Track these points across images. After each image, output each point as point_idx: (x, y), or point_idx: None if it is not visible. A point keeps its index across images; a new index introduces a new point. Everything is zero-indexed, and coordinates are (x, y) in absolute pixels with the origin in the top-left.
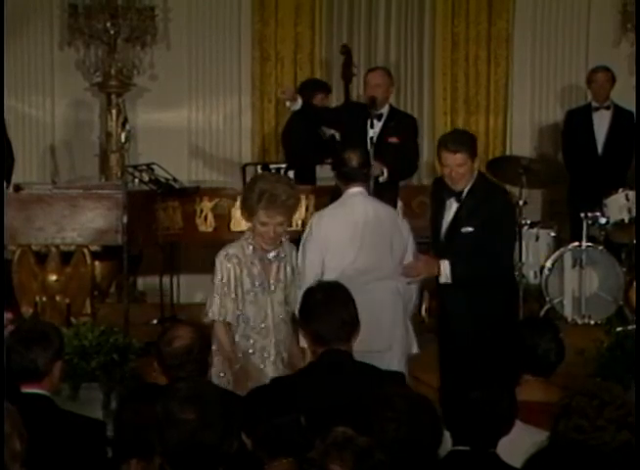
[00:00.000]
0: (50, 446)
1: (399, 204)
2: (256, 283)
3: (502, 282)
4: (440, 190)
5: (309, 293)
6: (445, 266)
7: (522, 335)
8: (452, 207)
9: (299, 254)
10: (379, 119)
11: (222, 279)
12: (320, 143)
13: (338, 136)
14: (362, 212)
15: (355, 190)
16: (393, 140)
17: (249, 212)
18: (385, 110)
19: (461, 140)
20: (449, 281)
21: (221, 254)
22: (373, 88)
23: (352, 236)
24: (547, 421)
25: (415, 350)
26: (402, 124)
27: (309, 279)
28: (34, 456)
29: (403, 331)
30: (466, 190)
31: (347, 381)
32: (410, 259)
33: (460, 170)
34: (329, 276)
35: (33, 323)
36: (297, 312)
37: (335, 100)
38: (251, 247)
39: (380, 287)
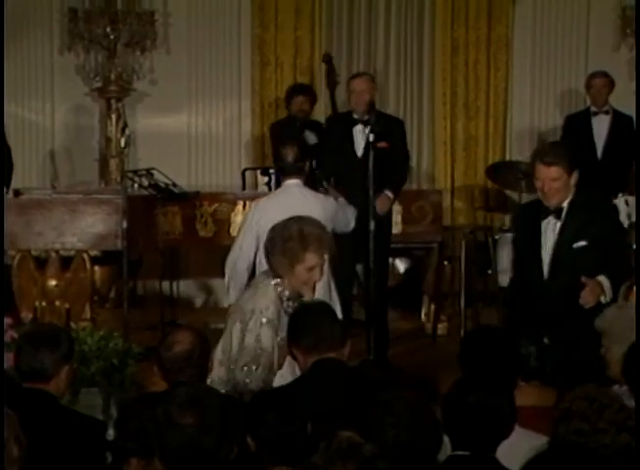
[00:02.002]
0: (50, 441)
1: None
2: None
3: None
4: (531, 214)
5: (295, 315)
6: (606, 284)
7: (506, 340)
8: (551, 225)
9: (237, 238)
10: (365, 125)
11: (264, 349)
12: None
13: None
14: (294, 201)
15: (291, 181)
16: (382, 145)
17: (290, 262)
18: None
19: (557, 153)
20: (609, 299)
21: (259, 318)
22: (359, 94)
23: None
24: (540, 424)
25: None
26: (390, 128)
27: (243, 261)
28: (35, 451)
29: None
30: (565, 206)
31: (343, 387)
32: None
33: (554, 185)
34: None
35: (44, 325)
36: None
37: (322, 107)
38: (285, 298)
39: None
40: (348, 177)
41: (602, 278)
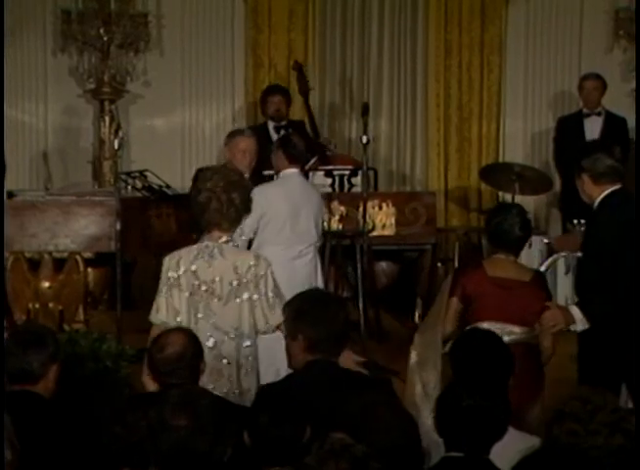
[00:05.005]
0: (42, 442)
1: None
2: None
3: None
4: None
5: (303, 296)
6: (576, 312)
7: (490, 215)
8: None
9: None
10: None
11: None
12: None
13: None
14: (299, 189)
15: (293, 170)
16: None
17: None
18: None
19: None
20: (587, 326)
21: (266, 260)
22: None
23: (292, 209)
24: (518, 294)
25: None
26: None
27: (243, 242)
28: (27, 453)
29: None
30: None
31: (338, 390)
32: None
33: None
34: (270, 243)
35: (30, 326)
36: None
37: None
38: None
39: (310, 252)
40: None
41: (573, 308)
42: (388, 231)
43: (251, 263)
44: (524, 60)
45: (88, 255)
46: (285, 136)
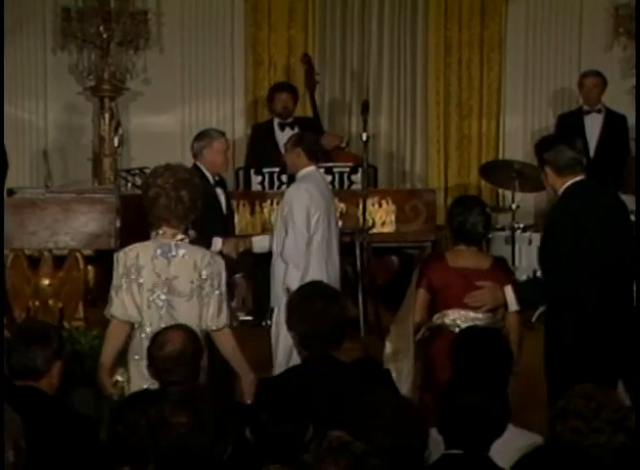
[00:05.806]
0: (44, 438)
1: None
2: None
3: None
4: None
5: (298, 291)
6: (509, 293)
7: (453, 212)
8: None
9: (294, 224)
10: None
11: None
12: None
13: None
14: (323, 184)
15: (313, 168)
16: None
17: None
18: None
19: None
20: (513, 309)
21: (221, 259)
22: (224, 154)
23: (326, 205)
24: (482, 281)
25: None
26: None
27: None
28: (30, 449)
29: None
30: None
31: (336, 385)
32: None
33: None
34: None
35: (33, 322)
36: None
37: (303, 106)
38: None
39: (337, 248)
40: (216, 231)
41: (507, 288)
42: (388, 228)
43: (210, 260)
44: (523, 57)
45: (88, 252)
46: (299, 134)
